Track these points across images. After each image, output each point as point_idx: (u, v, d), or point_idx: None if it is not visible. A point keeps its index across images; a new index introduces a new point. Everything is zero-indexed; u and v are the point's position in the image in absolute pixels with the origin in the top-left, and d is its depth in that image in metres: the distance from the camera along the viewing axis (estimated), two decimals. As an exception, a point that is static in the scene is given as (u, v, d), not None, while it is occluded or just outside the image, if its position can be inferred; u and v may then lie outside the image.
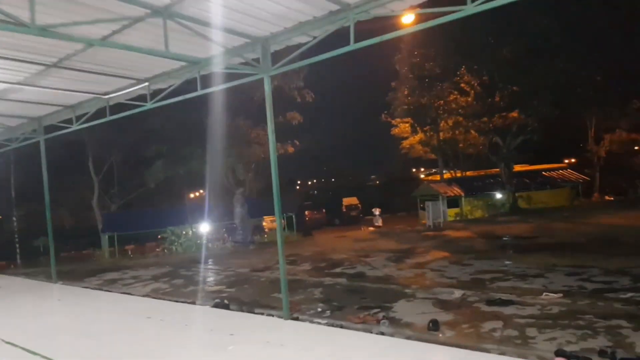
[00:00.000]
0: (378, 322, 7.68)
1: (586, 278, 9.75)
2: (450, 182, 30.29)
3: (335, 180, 60.86)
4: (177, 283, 12.54)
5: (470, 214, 27.82)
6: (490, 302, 8.42)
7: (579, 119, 32.99)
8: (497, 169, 31.84)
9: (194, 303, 9.69)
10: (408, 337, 6.87)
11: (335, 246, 17.94)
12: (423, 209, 28.73)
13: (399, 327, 7.44)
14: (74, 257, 24.89)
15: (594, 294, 8.57)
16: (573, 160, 39.50)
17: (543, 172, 32.44)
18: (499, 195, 28.41)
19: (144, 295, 10.63)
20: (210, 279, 13.07)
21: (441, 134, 30.72)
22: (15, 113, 11.80)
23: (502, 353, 5.84)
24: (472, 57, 25.97)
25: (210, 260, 17.04)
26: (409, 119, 31.05)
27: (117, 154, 28.30)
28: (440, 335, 7.00)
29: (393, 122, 32.54)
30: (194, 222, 23.08)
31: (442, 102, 28.00)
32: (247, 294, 10.56)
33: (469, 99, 27.59)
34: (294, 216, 24.99)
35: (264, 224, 26.92)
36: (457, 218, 27.04)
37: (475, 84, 27.21)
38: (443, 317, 7.80)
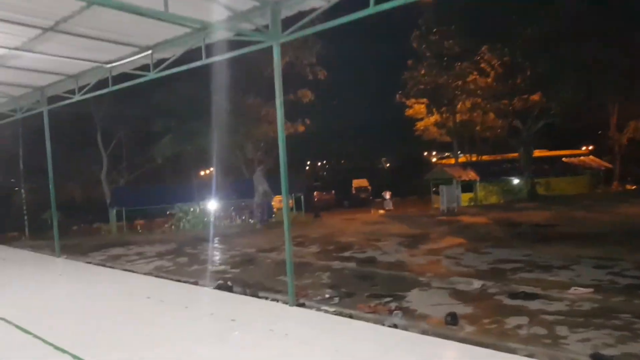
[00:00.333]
0: (390, 312, 7.12)
1: (617, 272, 9.03)
2: (465, 165, 29.40)
3: (345, 162, 60.10)
4: (181, 261, 12.14)
5: (484, 199, 27.03)
6: (513, 295, 7.77)
7: (602, 105, 31.78)
8: (514, 154, 30.83)
9: (196, 283, 9.26)
10: (424, 332, 6.30)
11: (345, 229, 17.39)
12: (436, 192, 27.98)
13: (413, 319, 6.86)
14: (83, 231, 24.90)
15: (628, 290, 7.86)
16: (591, 147, 38.19)
17: (563, 159, 31.30)
18: (516, 181, 27.51)
19: (146, 273, 10.24)
20: (215, 258, 12.65)
21: (458, 115, 29.66)
22: (17, 82, 11.57)
23: (531, 355, 5.22)
24: (494, 36, 24.71)
25: (216, 238, 16.65)
26: (424, 100, 30.01)
27: (125, 129, 27.97)
28: (460, 330, 6.41)
29: (408, 102, 31.51)
30: (202, 200, 22.71)
31: (460, 82, 26.87)
32: (251, 276, 10.09)
33: (489, 80, 26.41)
34: (302, 197, 24.44)
35: (273, 203, 26.44)
36: (471, 203, 26.28)
37: (496, 65, 25.98)
38: (461, 309, 7.20)
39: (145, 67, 9.44)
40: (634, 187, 30.80)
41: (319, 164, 60.95)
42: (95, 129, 27.46)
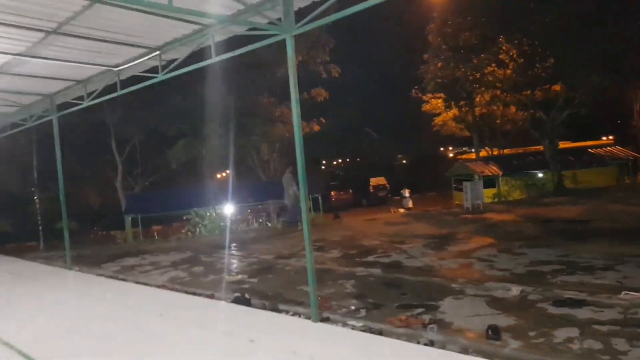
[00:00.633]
0: (424, 326, 6.49)
1: (671, 273, 8.23)
2: (487, 160, 28.37)
3: (361, 160, 59.27)
4: (196, 271, 11.71)
5: (508, 195, 26.00)
6: (558, 303, 7.06)
7: (624, 92, 30.48)
8: (537, 147, 29.72)
9: (212, 296, 8.78)
10: (464, 349, 5.66)
11: (366, 230, 16.75)
12: (457, 189, 27.05)
13: (450, 334, 6.22)
14: (99, 239, 24.82)
15: (689, 294, 7.09)
16: (611, 137, 36.66)
17: (589, 149, 29.98)
18: (540, 174, 26.40)
19: (159, 286, 9.82)
20: (232, 266, 12.18)
21: (477, 109, 28.67)
22: (25, 89, 11.36)
23: (593, 377, 4.57)
24: (512, 25, 23.71)
25: (233, 244, 16.21)
26: (441, 95, 29.11)
27: (139, 134, 27.89)
28: (504, 346, 5.74)
29: (424, 97, 30.65)
30: (218, 204, 22.35)
31: (478, 74, 25.90)
32: (270, 286, 9.57)
33: (508, 71, 25.39)
34: (320, 197, 23.84)
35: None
36: (495, 200, 25.29)
37: (515, 55, 24.95)
38: (502, 320, 6.53)
39: (154, 70, 9.04)
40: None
41: (335, 163, 60.29)
42: (110, 136, 27.43)
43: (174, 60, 8.32)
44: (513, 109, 27.92)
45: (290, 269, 11.06)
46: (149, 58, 8.76)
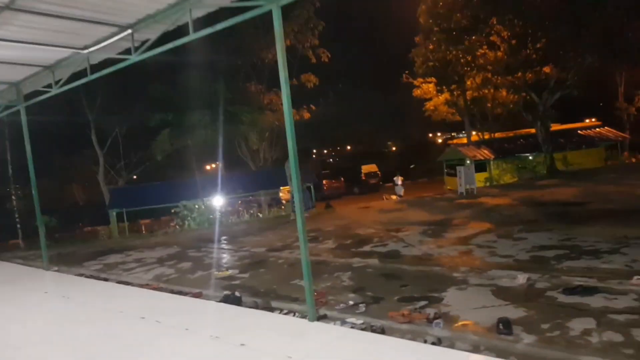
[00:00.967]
0: (429, 321, 6.03)
1: (681, 255, 7.89)
2: (478, 144, 28.03)
3: (352, 147, 58.72)
4: (183, 267, 11.13)
5: (499, 178, 25.74)
6: (568, 290, 6.66)
7: (611, 75, 30.42)
8: (528, 130, 29.45)
9: (199, 295, 8.23)
10: (475, 346, 5.22)
11: (360, 219, 16.28)
12: (449, 174, 26.74)
13: (457, 329, 5.77)
14: (83, 235, 24.02)
15: None
16: (594, 119, 36.72)
17: (578, 131, 29.83)
18: (531, 157, 26.16)
19: (143, 285, 9.22)
20: (222, 261, 11.61)
21: (468, 93, 28.19)
22: None
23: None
24: (504, 6, 23.16)
25: (223, 237, 15.63)
26: (432, 79, 28.56)
27: (120, 126, 26.92)
28: (517, 341, 5.31)
29: (415, 82, 30.07)
30: (207, 196, 21.67)
31: (470, 57, 25.36)
32: (262, 281, 9.05)
33: (500, 54, 24.91)
34: (312, 187, 23.27)
35: (281, 194, 25.38)
36: (487, 184, 24.99)
37: (506, 36, 24.46)
38: (512, 312, 6.11)
39: (128, 53, 8.27)
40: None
41: (325, 151, 59.62)
42: (89, 128, 26.39)
43: (148, 41, 7.61)
44: (504, 92, 27.49)
45: (283, 262, 10.54)
46: (120, 38, 7.98)
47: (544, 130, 25.45)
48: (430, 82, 29.01)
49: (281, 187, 24.52)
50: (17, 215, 22.98)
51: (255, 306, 7.19)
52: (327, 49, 24.98)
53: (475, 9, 23.84)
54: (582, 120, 34.72)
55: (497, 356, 4.81)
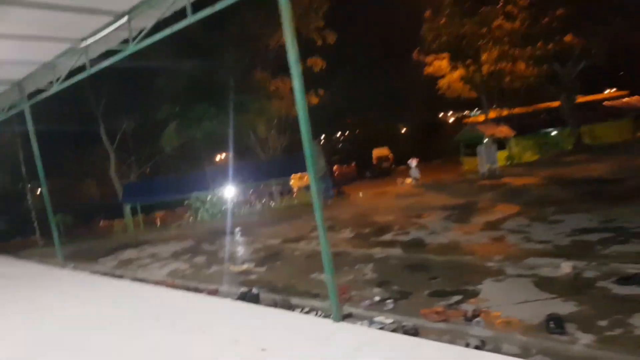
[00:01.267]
0: (467, 319, 5.39)
1: None
2: (497, 121, 26.88)
3: (362, 131, 57.55)
4: (198, 262, 10.68)
5: (520, 156, 24.66)
6: (623, 280, 5.94)
7: (637, 40, 28.69)
8: (549, 103, 28.16)
9: (215, 292, 7.73)
10: (524, 348, 4.57)
11: (376, 205, 15.60)
12: (467, 154, 25.74)
13: (501, 328, 5.12)
14: (98, 230, 23.98)
15: None
16: (618, 89, 34.96)
17: (604, 102, 28.39)
18: (554, 132, 24.98)
19: (158, 282, 8.79)
20: (237, 254, 11.12)
21: (484, 67, 26.94)
22: None
23: None
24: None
25: (237, 229, 15.16)
26: (445, 55, 27.36)
27: (128, 122, 26.69)
28: (573, 341, 4.64)
29: (427, 60, 28.89)
30: (219, 186, 21.25)
31: (485, 29, 24.11)
32: (279, 275, 8.52)
33: (516, 24, 23.59)
34: (331, 171, 22.67)
35: (292, 182, 24.80)
36: (508, 163, 23.97)
37: (525, 3, 23.12)
38: (560, 307, 5.43)
39: (126, 43, 7.78)
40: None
41: (334, 136, 58.64)
42: (98, 124, 26.21)
43: (145, 29, 7.06)
44: (522, 65, 26.18)
45: (300, 254, 9.98)
46: (116, 28, 7.48)
47: (569, 102, 24.17)
48: (443, 59, 27.83)
49: (292, 175, 23.95)
50: (33, 213, 23.01)
51: (275, 304, 6.66)
52: (333, 30, 24.07)
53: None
54: (605, 91, 33.22)
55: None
